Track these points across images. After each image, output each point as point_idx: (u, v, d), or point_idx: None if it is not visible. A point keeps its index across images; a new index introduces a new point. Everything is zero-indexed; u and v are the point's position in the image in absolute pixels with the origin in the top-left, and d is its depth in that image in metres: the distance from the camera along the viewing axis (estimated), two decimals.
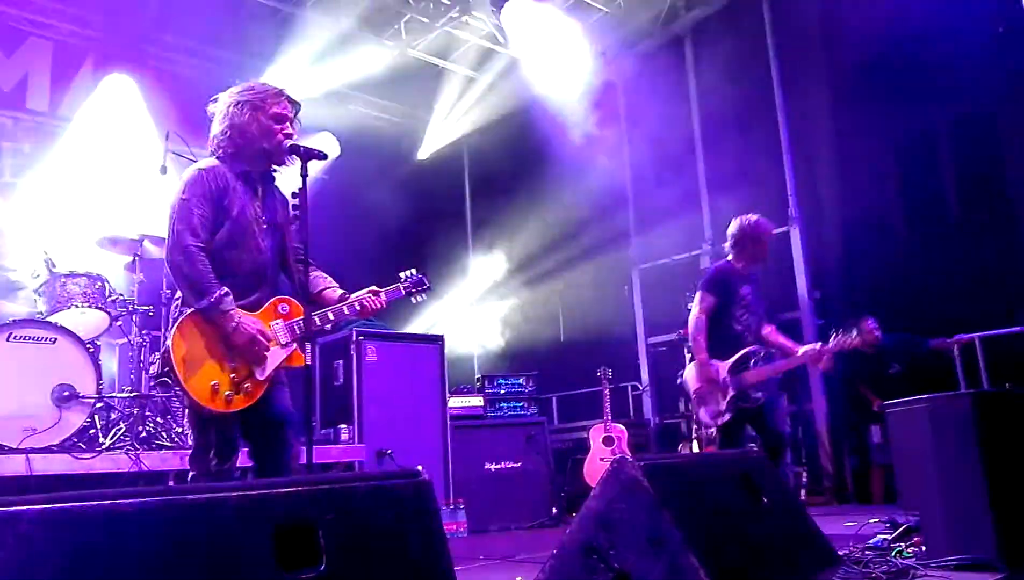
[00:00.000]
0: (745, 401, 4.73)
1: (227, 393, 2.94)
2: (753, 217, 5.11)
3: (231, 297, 2.97)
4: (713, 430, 6.56)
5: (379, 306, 3.33)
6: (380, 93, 9.81)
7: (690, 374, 4.91)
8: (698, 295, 4.95)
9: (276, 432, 3.13)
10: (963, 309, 6.43)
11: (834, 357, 4.79)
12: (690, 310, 5.01)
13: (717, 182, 8.55)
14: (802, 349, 4.86)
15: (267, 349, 3.01)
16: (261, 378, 3.03)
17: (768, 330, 5.02)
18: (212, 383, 2.92)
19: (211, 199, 3.06)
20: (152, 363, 2.98)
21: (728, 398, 4.74)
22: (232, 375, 2.97)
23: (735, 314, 4.89)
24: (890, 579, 3.21)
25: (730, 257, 5.08)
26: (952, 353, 6.56)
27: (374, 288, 3.37)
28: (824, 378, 7.42)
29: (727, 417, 4.75)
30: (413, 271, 3.47)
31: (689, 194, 8.71)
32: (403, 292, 3.44)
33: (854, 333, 4.75)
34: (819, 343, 4.85)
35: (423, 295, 3.47)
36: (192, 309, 2.96)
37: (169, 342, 2.93)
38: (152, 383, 2.94)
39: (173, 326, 2.99)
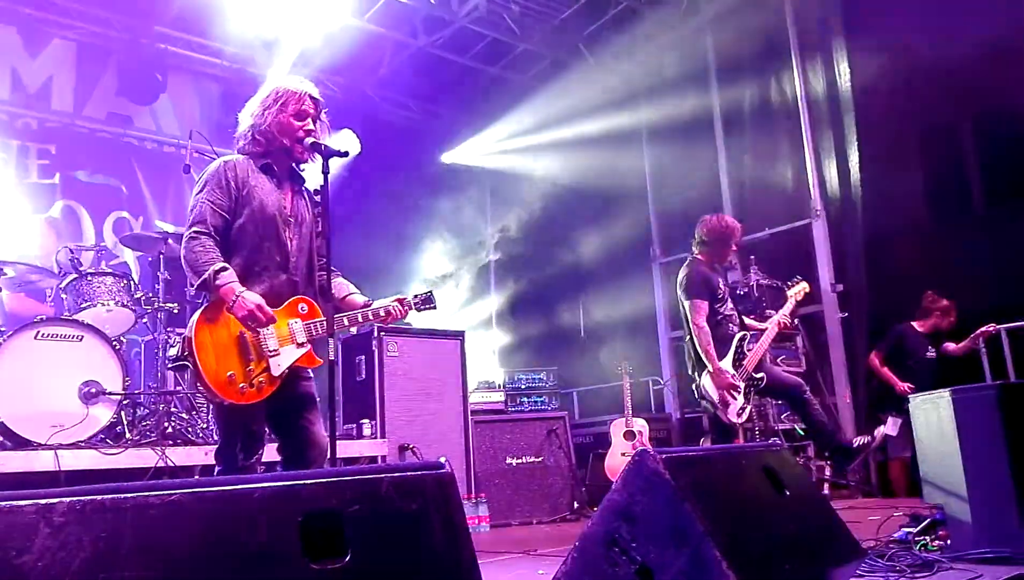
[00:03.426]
0: (755, 385, 5.01)
1: (241, 385, 2.96)
2: (728, 218, 5.40)
3: (229, 272, 2.98)
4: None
5: (401, 316, 3.45)
6: (403, 90, 9.84)
7: (708, 384, 5.02)
8: (689, 304, 5.06)
9: (300, 432, 3.17)
10: (989, 300, 6.36)
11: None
12: (687, 318, 5.15)
13: (738, 175, 8.51)
14: (771, 322, 5.23)
15: (264, 324, 3.00)
16: (276, 374, 3.05)
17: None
18: (229, 373, 2.95)
19: (227, 189, 3.11)
20: (172, 345, 3.00)
21: (743, 392, 4.98)
22: (249, 368, 3.00)
23: (719, 310, 5.11)
24: (915, 572, 3.20)
25: (699, 256, 5.25)
26: (979, 346, 6.48)
27: (400, 296, 3.46)
28: (848, 371, 7.38)
29: (749, 409, 4.99)
30: (423, 290, 3.62)
31: (710, 187, 8.68)
32: (414, 306, 3.51)
33: (799, 282, 5.30)
34: (782, 312, 5.26)
35: (429, 311, 3.58)
36: (212, 298, 3.01)
37: (192, 327, 2.95)
38: (169, 365, 2.97)
39: (197, 312, 3.01)
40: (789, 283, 5.34)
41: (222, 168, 3.15)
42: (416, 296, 3.54)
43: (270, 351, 3.05)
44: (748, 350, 5.06)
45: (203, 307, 3.01)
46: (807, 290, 5.30)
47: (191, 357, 2.92)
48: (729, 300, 5.20)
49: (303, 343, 3.14)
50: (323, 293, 3.25)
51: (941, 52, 6.41)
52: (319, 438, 3.18)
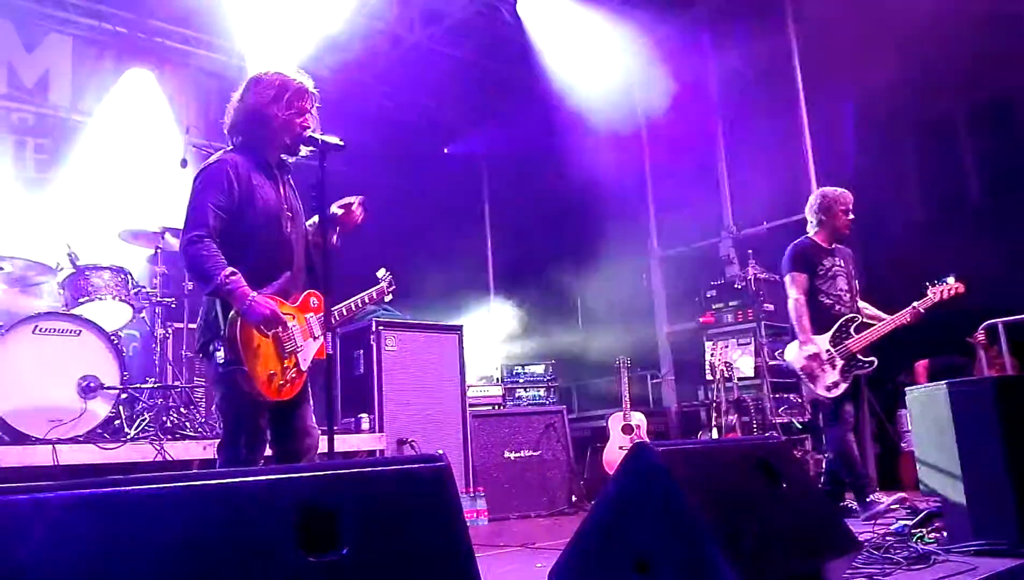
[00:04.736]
0: (860, 366, 4.89)
1: (281, 382, 3.02)
2: (828, 189, 5.29)
3: (238, 276, 2.93)
4: (733, 418, 6.58)
5: (380, 297, 3.82)
6: (400, 85, 9.82)
7: (792, 354, 5.04)
8: (788, 278, 5.10)
9: (293, 423, 3.20)
10: (986, 294, 6.35)
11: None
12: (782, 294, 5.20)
13: (737, 169, 8.52)
14: (901, 313, 4.97)
15: (276, 328, 3.00)
16: (303, 368, 3.12)
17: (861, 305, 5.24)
18: (271, 372, 2.98)
19: (229, 189, 3.05)
20: (217, 350, 2.98)
21: (839, 368, 4.90)
22: (285, 365, 3.04)
23: (820, 287, 5.06)
24: (911, 564, 3.21)
25: (811, 233, 5.24)
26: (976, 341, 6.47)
27: (376, 288, 3.82)
28: None
29: (844, 386, 4.87)
30: (385, 270, 3.88)
31: (709, 181, 8.69)
32: (386, 292, 3.83)
33: (950, 282, 4.95)
34: (914, 304, 4.95)
35: (390, 295, 3.88)
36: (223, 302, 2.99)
37: (236, 331, 2.91)
38: (221, 370, 2.96)
39: (234, 316, 2.95)
40: (937, 282, 5.00)
41: (223, 167, 3.09)
42: (384, 277, 3.86)
43: (298, 347, 3.10)
44: (854, 332, 4.95)
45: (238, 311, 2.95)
46: (959, 290, 4.94)
47: (239, 362, 2.91)
48: (840, 279, 5.12)
49: (318, 336, 3.20)
50: (319, 284, 3.27)
51: (938, 44, 6.41)
52: (311, 428, 3.21)
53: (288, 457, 3.18)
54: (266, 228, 3.12)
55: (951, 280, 4.98)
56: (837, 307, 5.05)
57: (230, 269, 2.94)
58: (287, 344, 3.06)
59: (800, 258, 5.11)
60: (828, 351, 4.93)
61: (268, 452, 3.27)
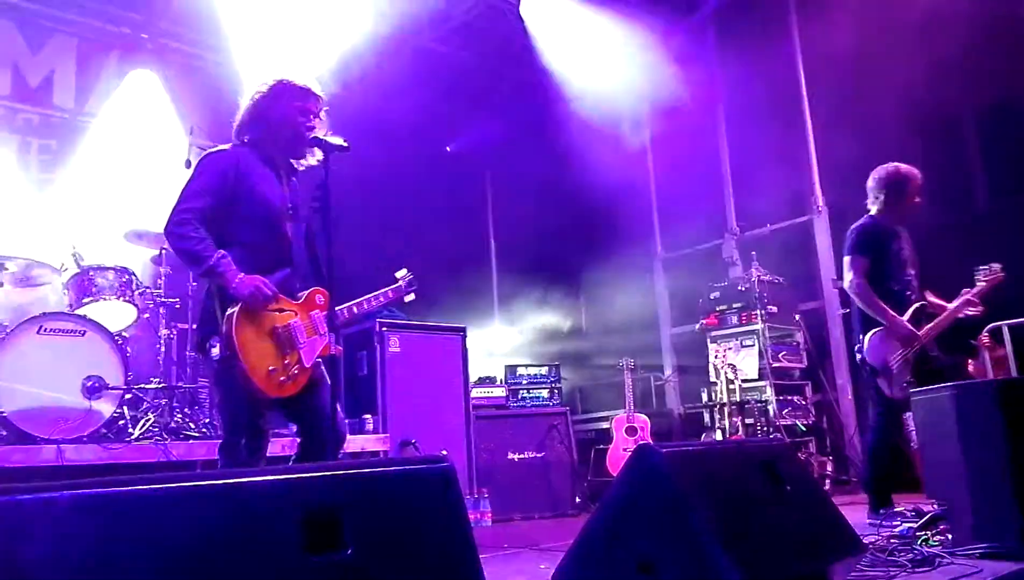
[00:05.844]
0: (928, 363, 4.43)
1: (282, 378, 3.02)
2: (894, 165, 4.76)
3: (228, 259, 2.99)
4: (737, 420, 6.56)
5: (395, 297, 3.70)
6: (403, 86, 9.82)
7: (873, 346, 4.47)
8: (848, 260, 4.59)
9: (317, 433, 3.21)
10: (991, 297, 6.34)
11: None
12: (843, 280, 4.65)
13: (741, 170, 8.51)
14: (955, 302, 4.56)
15: (270, 300, 3.02)
16: (307, 365, 3.12)
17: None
18: (270, 368, 2.98)
19: (224, 175, 3.10)
20: (213, 346, 2.99)
21: (911, 364, 4.40)
22: (286, 362, 3.04)
23: (890, 272, 4.56)
24: (916, 567, 3.20)
25: (873, 211, 4.73)
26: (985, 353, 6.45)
27: (392, 286, 3.70)
28: (849, 367, 7.37)
29: (913, 383, 4.29)
30: (406, 271, 3.77)
31: (713, 183, 8.68)
32: (403, 292, 3.72)
33: (995, 267, 4.59)
34: (965, 292, 4.58)
35: (412, 294, 3.76)
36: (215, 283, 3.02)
37: (233, 325, 2.93)
38: (217, 365, 2.97)
39: (232, 310, 2.97)
40: (983, 269, 4.63)
41: (220, 156, 3.16)
42: (402, 278, 3.74)
43: (301, 343, 3.11)
44: (925, 323, 4.47)
45: (238, 305, 2.97)
46: (1001, 277, 4.58)
47: (235, 357, 2.92)
48: (908, 264, 4.61)
49: (324, 333, 3.21)
50: (325, 283, 3.29)
51: (943, 43, 6.39)
52: (333, 420, 3.19)
53: (312, 449, 3.19)
54: (264, 221, 3.16)
55: (996, 266, 4.62)
56: (908, 294, 4.54)
57: (221, 252, 2.99)
58: (287, 339, 3.07)
59: (867, 240, 4.56)
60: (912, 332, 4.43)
61: (278, 452, 3.28)
